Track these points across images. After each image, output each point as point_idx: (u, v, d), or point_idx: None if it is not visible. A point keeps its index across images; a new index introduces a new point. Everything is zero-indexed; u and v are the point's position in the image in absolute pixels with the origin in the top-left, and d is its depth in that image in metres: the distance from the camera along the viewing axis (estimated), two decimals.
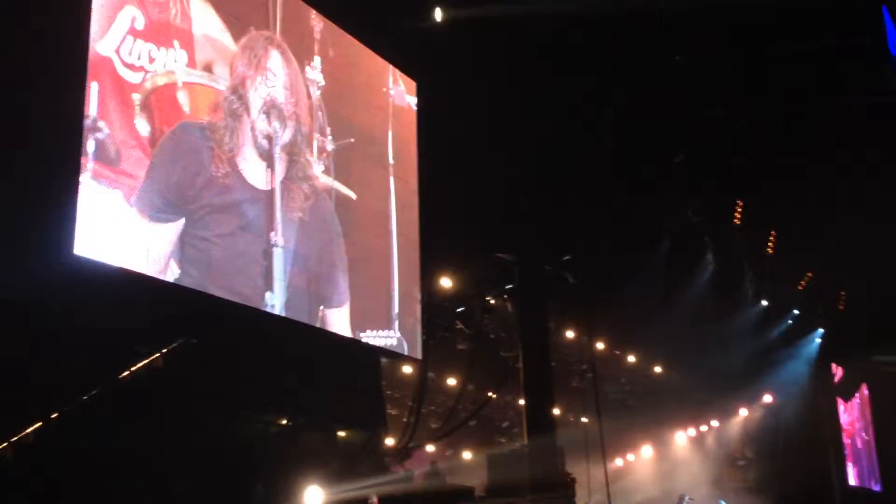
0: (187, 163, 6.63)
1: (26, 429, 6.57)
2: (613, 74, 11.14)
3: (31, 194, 6.00)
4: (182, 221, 6.59)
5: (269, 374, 8.08)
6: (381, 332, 9.08)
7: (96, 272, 6.15)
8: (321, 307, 8.25)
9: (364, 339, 8.90)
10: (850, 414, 22.73)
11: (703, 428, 21.56)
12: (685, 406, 19.43)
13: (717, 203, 14.73)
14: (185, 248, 6.62)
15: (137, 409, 6.94)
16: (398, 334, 9.37)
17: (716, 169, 13.39)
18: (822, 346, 19.99)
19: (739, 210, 15.07)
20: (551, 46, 10.57)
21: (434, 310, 11.49)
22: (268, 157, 7.20)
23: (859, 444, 22.98)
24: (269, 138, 7.20)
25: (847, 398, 22.35)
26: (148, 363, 7.10)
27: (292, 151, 7.55)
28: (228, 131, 6.85)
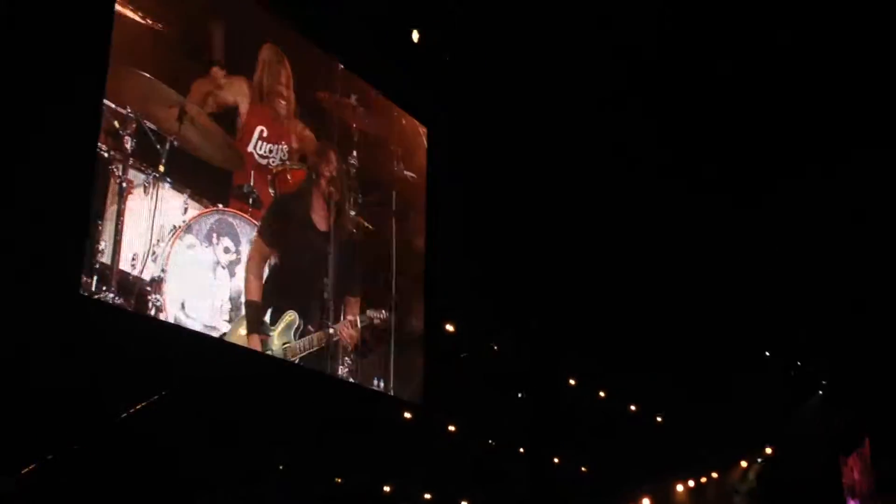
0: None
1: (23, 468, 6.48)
2: None
3: None
4: None
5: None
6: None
7: None
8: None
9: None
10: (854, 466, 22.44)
11: (703, 480, 21.22)
12: (684, 457, 19.17)
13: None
14: None
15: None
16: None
17: None
18: (824, 398, 19.79)
19: None
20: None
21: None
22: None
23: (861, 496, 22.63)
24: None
25: (848, 453, 22.06)
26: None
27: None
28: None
